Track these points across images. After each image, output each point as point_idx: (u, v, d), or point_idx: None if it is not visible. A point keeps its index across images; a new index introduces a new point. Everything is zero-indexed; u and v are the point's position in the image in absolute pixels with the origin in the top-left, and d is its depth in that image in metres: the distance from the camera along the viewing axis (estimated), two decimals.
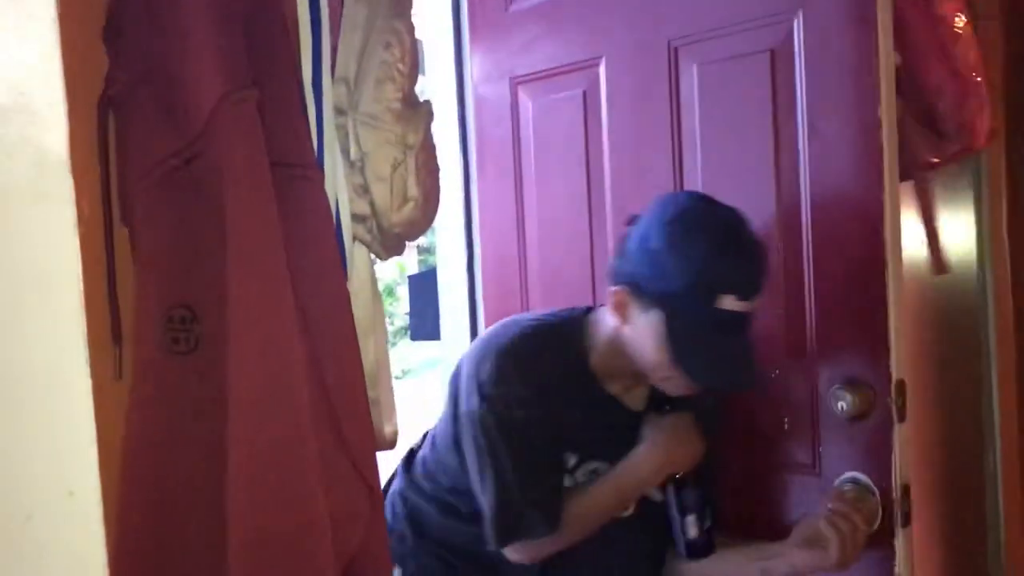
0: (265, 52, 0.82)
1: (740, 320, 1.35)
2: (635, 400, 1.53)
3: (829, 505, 1.44)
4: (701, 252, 1.33)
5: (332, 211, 0.93)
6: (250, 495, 0.77)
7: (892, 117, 1.50)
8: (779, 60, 1.63)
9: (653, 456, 1.46)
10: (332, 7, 1.16)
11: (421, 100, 1.23)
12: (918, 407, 1.90)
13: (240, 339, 0.76)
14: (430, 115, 1.23)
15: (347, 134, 1.18)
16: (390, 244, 1.24)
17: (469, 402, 1.41)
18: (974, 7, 1.76)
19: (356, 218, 1.20)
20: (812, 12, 1.57)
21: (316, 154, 0.96)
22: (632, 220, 1.44)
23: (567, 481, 1.48)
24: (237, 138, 0.77)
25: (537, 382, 1.41)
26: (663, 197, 1.46)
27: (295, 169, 0.83)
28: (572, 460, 1.49)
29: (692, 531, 1.48)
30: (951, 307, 1.88)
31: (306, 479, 0.78)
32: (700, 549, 1.49)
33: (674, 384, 1.41)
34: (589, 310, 1.55)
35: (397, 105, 1.19)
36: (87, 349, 0.77)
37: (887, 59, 1.50)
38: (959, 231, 1.90)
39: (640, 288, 1.38)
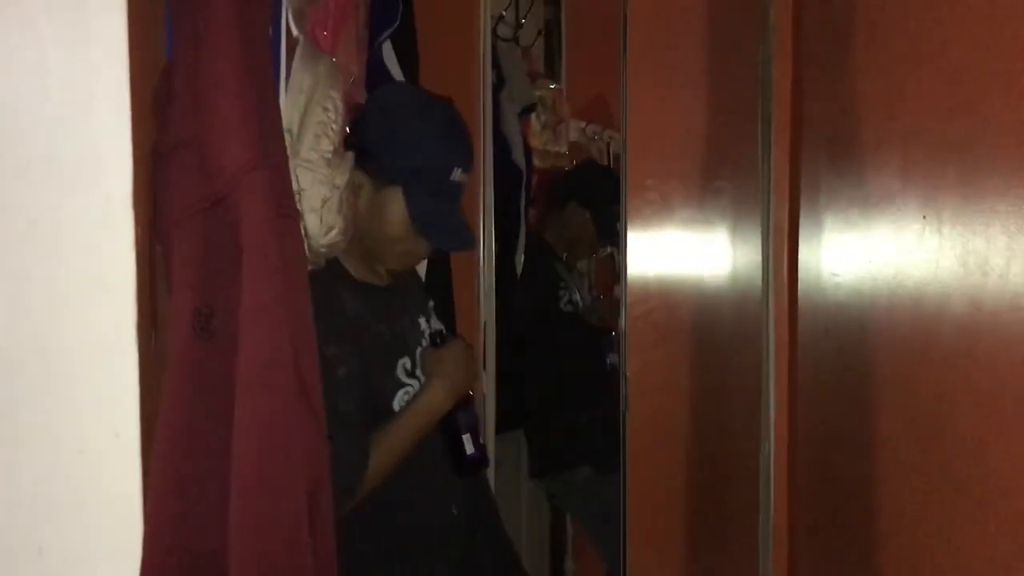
0: (269, 119, 1.16)
1: (460, 190, 1.61)
2: (385, 277, 1.68)
3: None
4: (436, 133, 1.57)
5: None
6: (250, 441, 1.11)
7: None
8: None
9: (445, 389, 1.60)
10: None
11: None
12: (700, 402, 2.38)
13: (248, 332, 1.10)
14: (352, 164, 1.58)
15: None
16: (314, 260, 1.59)
17: None
18: None
19: None
20: None
21: None
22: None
23: (415, 382, 1.62)
24: (249, 195, 1.10)
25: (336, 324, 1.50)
26: (382, 89, 1.76)
27: (285, 209, 1.17)
28: (407, 362, 1.64)
29: (468, 448, 1.61)
30: (738, 314, 2.36)
31: (290, 430, 1.13)
32: (477, 464, 1.63)
33: (408, 256, 1.64)
34: None
35: (329, 155, 1.54)
36: (136, 332, 1.09)
37: None
38: (749, 238, 2.38)
39: (378, 168, 1.56)
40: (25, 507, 1.11)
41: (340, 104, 1.55)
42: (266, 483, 1.12)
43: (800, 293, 2.32)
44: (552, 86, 3.43)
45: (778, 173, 2.37)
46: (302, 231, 1.33)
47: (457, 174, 1.58)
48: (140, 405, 1.10)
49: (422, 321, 1.73)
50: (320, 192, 1.53)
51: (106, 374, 1.10)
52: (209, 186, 1.10)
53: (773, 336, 2.37)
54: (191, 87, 1.11)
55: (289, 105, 1.52)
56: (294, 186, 1.52)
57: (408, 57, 1.94)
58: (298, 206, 1.53)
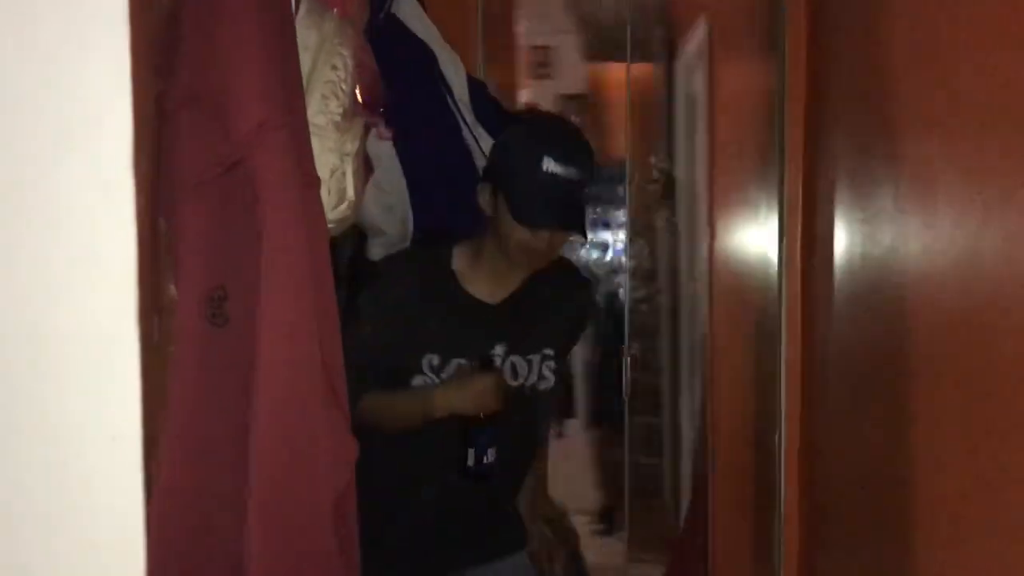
0: (288, 80, 1.00)
1: (564, 182, 1.68)
2: (496, 296, 1.83)
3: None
4: (523, 131, 1.76)
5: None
6: (270, 443, 0.96)
7: None
8: None
9: (447, 397, 1.75)
10: None
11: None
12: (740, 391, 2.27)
13: (269, 317, 0.95)
14: (364, 128, 1.43)
15: None
16: None
17: None
18: None
19: None
20: None
21: None
22: None
23: (434, 379, 1.78)
24: (271, 157, 0.95)
25: (397, 296, 1.75)
26: None
27: (307, 177, 1.02)
28: (435, 360, 1.78)
29: (470, 460, 1.76)
30: (758, 318, 2.27)
31: (315, 430, 0.98)
32: (470, 475, 1.78)
33: (534, 252, 1.72)
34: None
35: (338, 118, 1.38)
36: (137, 319, 0.93)
37: None
38: (767, 237, 2.29)
39: (490, 178, 1.74)
40: (7, 521, 0.95)
41: (350, 63, 1.39)
42: (288, 491, 0.97)
43: (823, 273, 2.23)
44: None
45: (792, 147, 2.28)
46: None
47: (549, 163, 1.66)
48: (142, 403, 0.93)
49: (499, 348, 1.81)
50: (329, 160, 1.37)
51: (102, 368, 0.93)
52: (224, 146, 0.95)
53: (786, 316, 2.29)
54: (203, 32, 0.95)
55: None
56: None
57: None
58: None
